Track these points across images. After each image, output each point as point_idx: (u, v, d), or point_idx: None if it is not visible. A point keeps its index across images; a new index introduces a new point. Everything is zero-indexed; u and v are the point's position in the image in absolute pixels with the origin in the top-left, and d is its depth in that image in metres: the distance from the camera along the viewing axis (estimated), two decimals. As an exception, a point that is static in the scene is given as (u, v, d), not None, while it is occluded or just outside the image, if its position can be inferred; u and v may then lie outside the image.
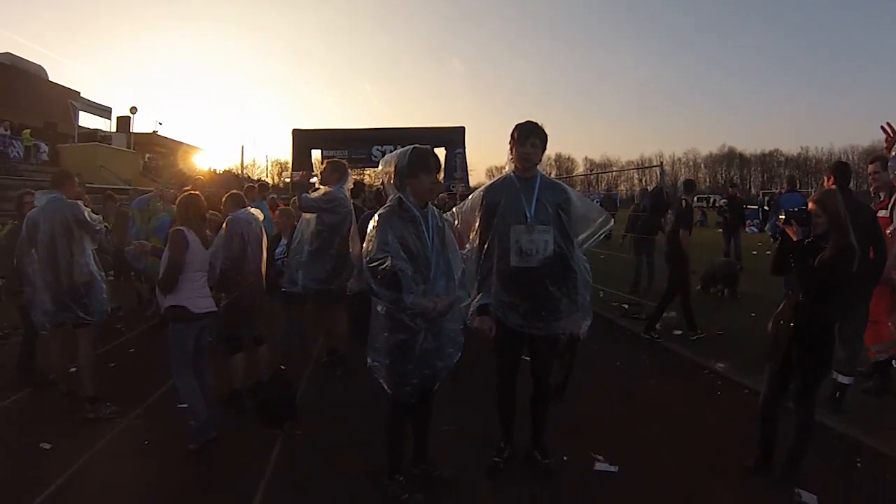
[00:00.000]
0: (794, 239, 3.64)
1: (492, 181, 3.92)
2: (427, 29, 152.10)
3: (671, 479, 3.82)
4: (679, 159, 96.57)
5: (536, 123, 3.66)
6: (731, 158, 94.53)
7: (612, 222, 3.94)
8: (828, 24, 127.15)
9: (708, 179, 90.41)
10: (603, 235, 3.89)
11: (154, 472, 3.96)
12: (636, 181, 69.71)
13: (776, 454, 3.79)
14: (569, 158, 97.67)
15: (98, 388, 4.91)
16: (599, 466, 3.97)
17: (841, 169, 5.10)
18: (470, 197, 3.93)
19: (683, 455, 4.15)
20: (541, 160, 3.73)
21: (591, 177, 49.65)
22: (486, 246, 3.64)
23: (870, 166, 5.14)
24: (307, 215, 5.66)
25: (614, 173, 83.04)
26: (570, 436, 4.33)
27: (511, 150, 3.68)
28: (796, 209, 3.70)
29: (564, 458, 4.01)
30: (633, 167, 77.33)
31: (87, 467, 4.02)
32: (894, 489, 3.54)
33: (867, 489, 3.70)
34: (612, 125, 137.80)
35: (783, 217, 3.70)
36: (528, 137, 3.61)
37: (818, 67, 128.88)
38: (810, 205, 3.65)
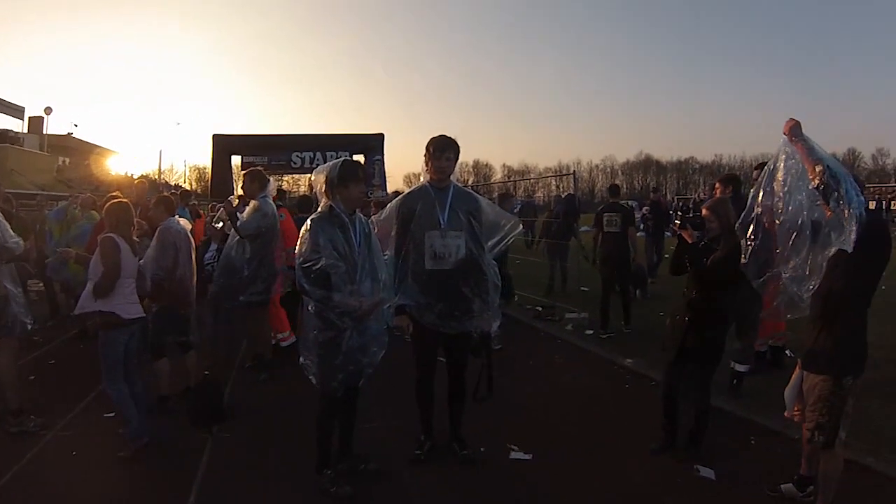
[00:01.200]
0: (690, 242, 4.31)
1: (409, 190, 4.38)
2: (351, 36, 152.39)
3: (583, 462, 4.37)
4: (597, 166, 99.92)
5: (450, 138, 4.14)
6: (647, 165, 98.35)
7: (520, 227, 4.51)
8: (740, 32, 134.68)
9: (625, 186, 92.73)
10: (512, 240, 4.43)
11: (84, 483, 4.07)
12: (553, 188, 72.81)
13: (678, 436, 4.41)
14: (487, 165, 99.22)
15: (21, 401, 4.96)
16: (514, 455, 4.45)
17: (733, 180, 6.01)
18: (388, 206, 4.35)
19: (594, 442, 4.71)
20: (454, 170, 4.20)
21: (509, 183, 50.88)
22: (403, 251, 4.08)
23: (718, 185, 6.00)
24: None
25: (532, 180, 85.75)
26: (488, 428, 4.78)
27: (427, 162, 4.14)
28: (690, 215, 4.30)
29: (482, 448, 4.45)
30: (550, 174, 79.74)
31: (15, 482, 4.08)
32: (783, 461, 4.12)
33: (760, 462, 4.32)
34: (531, 132, 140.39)
35: (678, 222, 4.29)
36: (444, 151, 4.08)
37: (732, 76, 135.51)
38: (704, 211, 4.35)
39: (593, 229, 8.87)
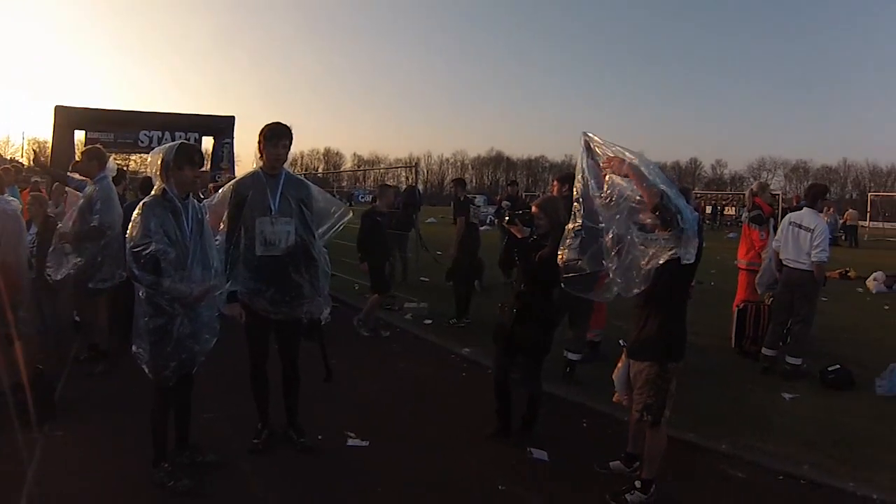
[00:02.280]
0: (519, 237, 4.62)
1: (241, 176, 4.42)
2: (214, 19, 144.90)
3: (419, 448, 4.57)
4: (447, 160, 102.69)
5: (285, 126, 4.19)
6: (498, 161, 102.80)
7: (349, 215, 4.63)
8: (594, 35, 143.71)
9: (475, 180, 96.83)
10: (342, 227, 4.55)
11: None
12: (403, 179, 73.21)
13: (513, 421, 4.72)
14: (337, 153, 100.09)
15: None
16: (351, 442, 4.57)
17: (571, 178, 6.35)
18: (220, 191, 4.37)
19: (431, 427, 4.94)
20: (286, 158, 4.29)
21: (358, 172, 50.57)
22: (234, 236, 4.08)
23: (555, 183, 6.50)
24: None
25: (382, 170, 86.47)
26: (325, 416, 4.90)
27: (261, 148, 4.17)
28: (520, 212, 4.71)
29: (319, 437, 4.55)
30: (400, 165, 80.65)
31: None
32: (613, 441, 4.55)
33: (591, 443, 4.77)
34: (384, 123, 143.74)
35: (507, 218, 4.67)
36: (280, 139, 4.15)
37: (584, 78, 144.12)
38: (533, 208, 4.71)
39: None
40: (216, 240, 4.04)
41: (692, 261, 3.58)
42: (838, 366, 6.32)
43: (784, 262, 6.61)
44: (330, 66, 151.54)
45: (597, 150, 3.85)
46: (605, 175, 3.74)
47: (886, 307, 11.48)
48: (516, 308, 4.58)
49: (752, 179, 79.82)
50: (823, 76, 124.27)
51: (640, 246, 3.59)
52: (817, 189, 6.98)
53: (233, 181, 4.38)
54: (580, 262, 3.95)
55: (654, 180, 3.53)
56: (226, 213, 4.15)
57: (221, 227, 4.14)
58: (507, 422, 4.72)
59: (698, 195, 47.47)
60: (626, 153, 3.69)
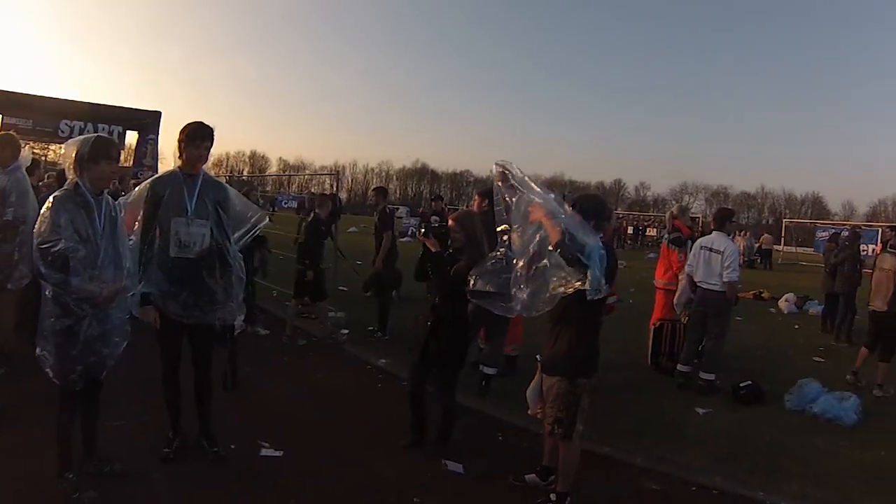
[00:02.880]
0: (433, 251, 4.69)
1: (158, 175, 4.35)
2: (150, 11, 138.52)
3: (333, 459, 4.55)
4: (372, 169, 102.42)
5: (208, 126, 4.14)
6: (423, 174, 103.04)
7: (266, 220, 4.65)
8: (522, 53, 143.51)
9: (399, 191, 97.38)
10: (258, 232, 4.53)
11: None
12: (327, 186, 71.24)
13: (428, 433, 4.77)
14: (263, 157, 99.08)
15: None
16: (265, 452, 4.50)
17: (491, 193, 6.54)
18: (136, 188, 4.28)
19: (347, 438, 4.92)
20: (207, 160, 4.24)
21: (283, 177, 49.72)
22: (149, 236, 4.00)
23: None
24: None
25: (306, 175, 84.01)
26: (239, 425, 4.82)
27: (181, 148, 4.10)
28: (436, 225, 4.79)
29: (232, 446, 4.45)
30: (324, 172, 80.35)
31: None
32: (528, 454, 4.63)
33: (506, 456, 4.84)
34: (312, 129, 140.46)
35: (423, 231, 4.75)
36: (203, 141, 4.10)
37: (510, 96, 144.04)
38: (450, 222, 4.80)
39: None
40: (130, 240, 3.92)
41: (597, 297, 3.65)
42: (750, 381, 6.68)
43: (698, 284, 6.96)
44: (261, 67, 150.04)
45: (511, 181, 3.95)
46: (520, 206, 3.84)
47: (797, 327, 12.19)
48: (431, 321, 4.64)
49: (673, 202, 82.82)
50: (745, 108, 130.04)
51: (552, 271, 3.69)
52: (724, 213, 7.46)
53: (150, 179, 4.27)
54: (491, 284, 4.05)
55: (560, 219, 3.65)
56: (141, 212, 4.04)
57: (136, 226, 4.04)
58: (422, 434, 4.76)
59: (621, 215, 49.20)
60: (535, 187, 3.83)
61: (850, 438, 5.68)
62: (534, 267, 3.78)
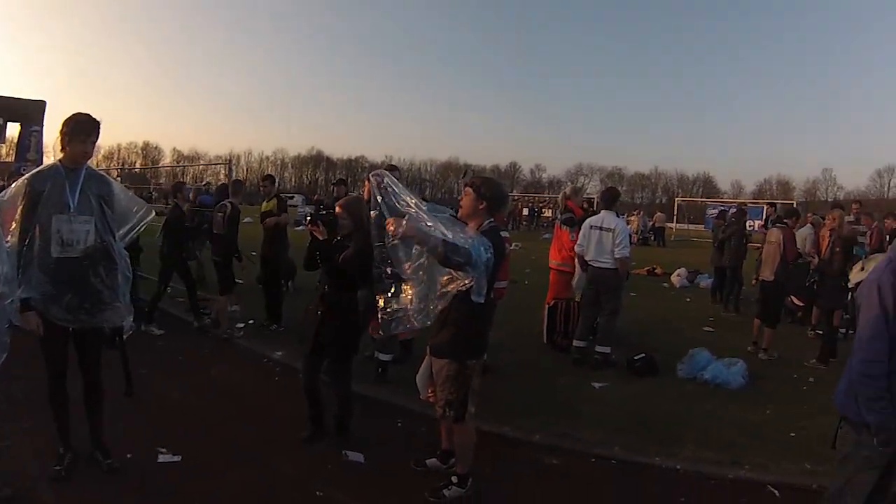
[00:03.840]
0: (321, 238, 4.68)
1: (37, 169, 4.09)
2: None
3: (233, 458, 4.49)
4: (267, 157, 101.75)
5: (94, 120, 3.97)
6: (318, 161, 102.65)
7: (152, 214, 4.42)
8: (415, 37, 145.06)
9: (294, 179, 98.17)
10: (143, 228, 4.35)
11: None
12: (222, 176, 68.75)
13: (327, 425, 4.80)
14: (156, 148, 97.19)
15: None
16: (163, 458, 4.36)
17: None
18: (13, 185, 4.01)
19: (246, 435, 4.87)
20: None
21: (178, 169, 47.96)
22: (27, 235, 3.76)
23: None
24: None
25: (201, 166, 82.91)
26: (134, 431, 4.66)
27: (64, 142, 3.91)
28: (325, 212, 4.78)
29: (128, 455, 4.30)
30: (218, 162, 77.95)
31: None
32: (427, 439, 4.75)
33: (407, 442, 4.93)
34: (206, 118, 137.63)
35: (309, 218, 4.74)
36: (89, 136, 3.94)
37: (408, 79, 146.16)
38: (337, 208, 4.79)
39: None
40: (7, 241, 3.68)
41: (482, 301, 3.80)
42: (644, 354, 7.07)
43: (589, 263, 7.29)
44: (153, 53, 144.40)
45: (389, 192, 3.89)
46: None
47: (688, 300, 12.98)
48: (321, 310, 4.65)
49: (569, 183, 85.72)
50: (637, 90, 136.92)
51: (438, 269, 3.74)
52: (611, 193, 7.83)
53: (27, 175, 4.00)
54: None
55: (434, 233, 3.63)
56: (18, 210, 3.79)
57: (13, 226, 3.79)
58: (320, 425, 4.77)
59: (516, 197, 50.55)
60: (410, 200, 3.82)
61: (738, 401, 6.12)
62: (418, 271, 3.80)
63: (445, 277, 3.69)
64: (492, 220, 4.03)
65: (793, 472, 4.61)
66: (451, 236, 3.62)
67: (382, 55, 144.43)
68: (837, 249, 7.84)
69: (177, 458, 4.36)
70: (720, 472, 4.62)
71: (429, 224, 3.68)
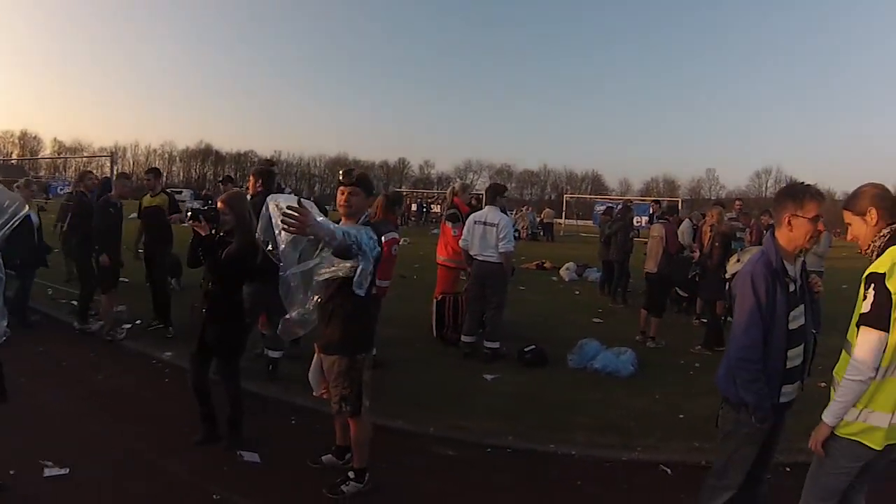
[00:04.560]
0: (203, 234, 4.60)
1: None
2: None
3: (124, 466, 4.35)
4: (155, 150, 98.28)
5: None
6: (206, 154, 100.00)
7: (25, 209, 4.15)
8: (307, 29, 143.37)
9: (182, 173, 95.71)
10: (17, 223, 4.04)
11: None
12: (107, 169, 64.90)
13: (219, 425, 4.71)
14: (35, 138, 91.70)
15: None
16: (49, 472, 4.15)
17: (264, 174, 6.63)
18: None
19: (137, 441, 4.72)
20: None
21: (59, 160, 44.79)
22: None
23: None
24: None
25: (83, 159, 78.00)
26: (16, 446, 4.42)
27: None
28: (206, 207, 4.70)
29: (11, 472, 4.07)
30: (102, 154, 73.84)
31: None
32: (322, 435, 4.69)
33: (301, 439, 4.91)
34: (89, 107, 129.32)
35: (189, 214, 4.65)
36: None
37: (301, 73, 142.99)
38: (219, 203, 4.69)
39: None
40: None
41: (363, 293, 3.79)
42: (534, 346, 7.32)
43: (474, 257, 7.44)
44: (34, 35, 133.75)
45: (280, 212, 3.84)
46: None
47: (577, 293, 13.46)
48: (206, 308, 4.58)
49: (458, 180, 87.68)
50: (527, 88, 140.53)
51: (320, 265, 3.79)
52: (496, 188, 7.99)
53: None
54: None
55: (329, 229, 3.56)
56: None
57: None
58: (213, 426, 4.69)
59: (405, 193, 51.15)
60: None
61: (628, 388, 6.45)
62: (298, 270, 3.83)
63: (324, 268, 3.72)
64: (367, 215, 4.04)
65: (682, 451, 4.91)
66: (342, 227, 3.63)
67: (272, 48, 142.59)
68: (717, 244, 8.37)
69: (64, 471, 4.17)
70: (614, 455, 4.85)
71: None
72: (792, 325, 3.08)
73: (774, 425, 3.21)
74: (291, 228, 3.24)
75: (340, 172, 4.10)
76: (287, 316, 3.98)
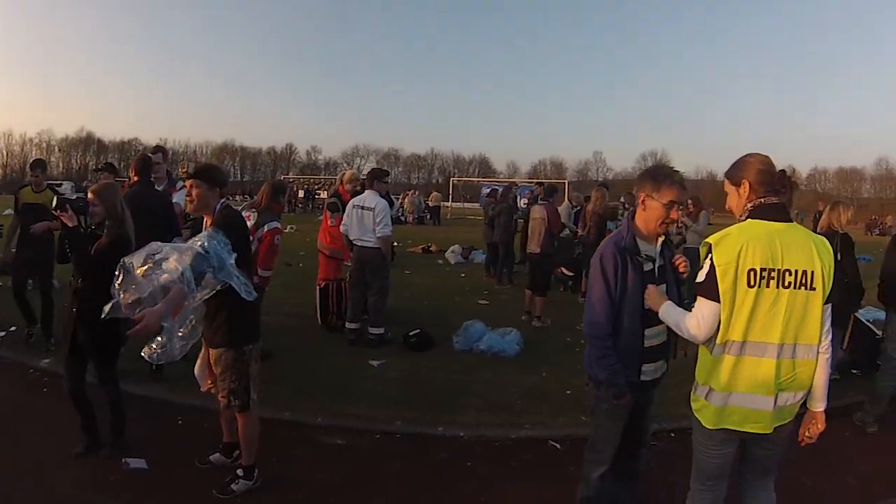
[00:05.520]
0: (70, 226, 4.35)
1: None
2: None
3: (6, 485, 4.03)
4: (31, 139, 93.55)
5: None
6: (88, 143, 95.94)
7: None
8: (176, 11, 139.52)
9: (62, 164, 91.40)
10: None
11: None
12: None
13: (102, 433, 4.48)
14: None
15: None
16: None
17: (139, 162, 6.36)
18: None
19: (14, 459, 4.36)
20: None
21: None
22: None
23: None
24: None
25: None
26: None
27: None
28: (75, 197, 4.43)
29: None
30: None
31: None
32: (209, 434, 4.56)
33: (189, 440, 4.74)
34: None
35: (55, 205, 4.39)
36: None
37: (179, 58, 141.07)
38: (89, 194, 4.45)
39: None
40: None
41: (252, 299, 3.70)
42: (418, 329, 7.39)
43: (353, 242, 7.41)
44: None
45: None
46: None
47: (463, 275, 13.60)
48: (75, 307, 4.33)
49: (345, 165, 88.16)
50: (412, 73, 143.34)
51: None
52: (376, 172, 7.93)
53: None
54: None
55: (178, 293, 3.41)
56: None
57: None
58: (95, 435, 4.44)
59: (292, 180, 50.44)
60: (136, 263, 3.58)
61: (514, 367, 6.62)
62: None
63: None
64: (224, 200, 3.95)
65: (570, 426, 5.07)
66: (186, 259, 3.43)
67: (155, 31, 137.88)
68: (591, 224, 8.66)
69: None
70: (503, 434, 4.97)
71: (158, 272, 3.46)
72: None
73: (641, 403, 3.29)
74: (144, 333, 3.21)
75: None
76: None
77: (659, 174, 3.14)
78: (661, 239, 3.24)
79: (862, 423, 5.41)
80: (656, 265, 3.18)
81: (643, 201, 3.13)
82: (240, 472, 3.99)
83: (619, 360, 3.13)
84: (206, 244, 3.48)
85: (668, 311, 2.94)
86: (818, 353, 2.67)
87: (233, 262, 3.56)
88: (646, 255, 3.17)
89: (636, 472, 3.58)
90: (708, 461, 2.85)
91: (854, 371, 6.52)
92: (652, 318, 3.11)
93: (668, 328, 3.09)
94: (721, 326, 2.62)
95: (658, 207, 3.08)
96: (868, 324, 6.88)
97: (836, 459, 4.54)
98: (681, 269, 3.30)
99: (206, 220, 3.91)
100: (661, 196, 3.07)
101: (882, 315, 5.78)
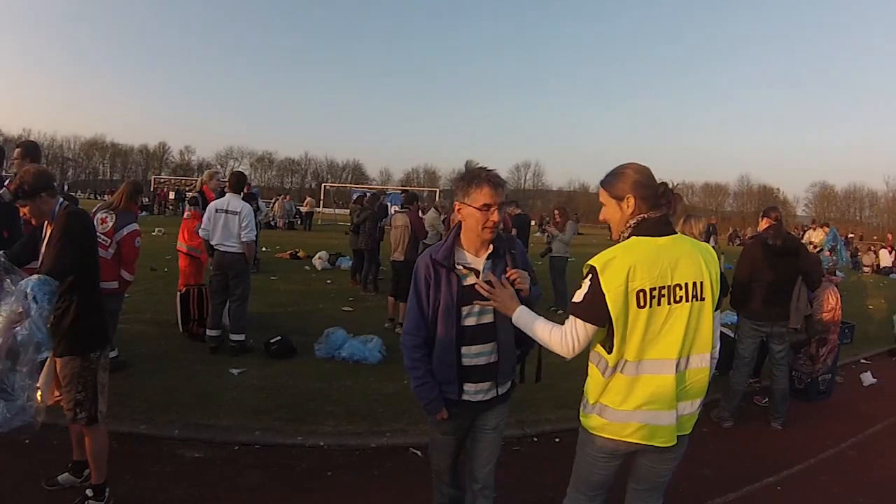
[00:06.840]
0: None
1: None
2: None
3: None
4: None
5: None
6: None
7: None
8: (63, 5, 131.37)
9: None
10: None
11: None
12: None
13: None
14: None
15: None
16: None
17: (31, 148, 5.90)
18: None
19: None
20: None
21: None
22: None
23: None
24: None
25: None
26: None
27: None
28: None
29: None
30: None
31: None
32: (58, 452, 4.32)
33: (31, 461, 4.37)
34: None
35: None
36: None
37: (53, 48, 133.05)
38: None
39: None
40: None
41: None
42: (280, 336, 7.33)
43: (215, 247, 7.25)
44: None
45: None
46: None
47: (329, 281, 13.57)
48: None
49: (219, 166, 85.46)
50: (289, 78, 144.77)
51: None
52: (238, 176, 7.81)
53: None
54: None
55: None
56: None
57: None
58: None
59: (163, 180, 48.82)
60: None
61: (376, 375, 6.69)
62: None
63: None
64: (65, 202, 3.77)
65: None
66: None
67: (21, 18, 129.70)
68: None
69: None
70: (363, 443, 5.02)
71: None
72: (468, 321, 2.98)
73: (478, 423, 3.19)
74: None
75: None
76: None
77: (467, 178, 2.96)
78: (489, 249, 3.04)
79: (718, 419, 5.87)
80: (481, 278, 2.95)
81: (459, 210, 2.99)
82: (89, 492, 3.80)
83: (429, 374, 3.03)
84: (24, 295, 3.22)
85: (524, 317, 2.78)
86: (711, 358, 2.67)
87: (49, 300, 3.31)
88: (466, 266, 2.99)
89: (490, 486, 3.33)
90: (594, 472, 2.80)
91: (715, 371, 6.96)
92: (474, 336, 2.99)
93: (502, 351, 3.03)
94: (614, 347, 2.55)
95: (474, 213, 2.91)
96: (722, 327, 7.43)
97: (696, 453, 4.48)
98: (517, 286, 2.93)
99: (46, 228, 3.70)
100: (473, 200, 2.90)
101: (735, 318, 6.25)
